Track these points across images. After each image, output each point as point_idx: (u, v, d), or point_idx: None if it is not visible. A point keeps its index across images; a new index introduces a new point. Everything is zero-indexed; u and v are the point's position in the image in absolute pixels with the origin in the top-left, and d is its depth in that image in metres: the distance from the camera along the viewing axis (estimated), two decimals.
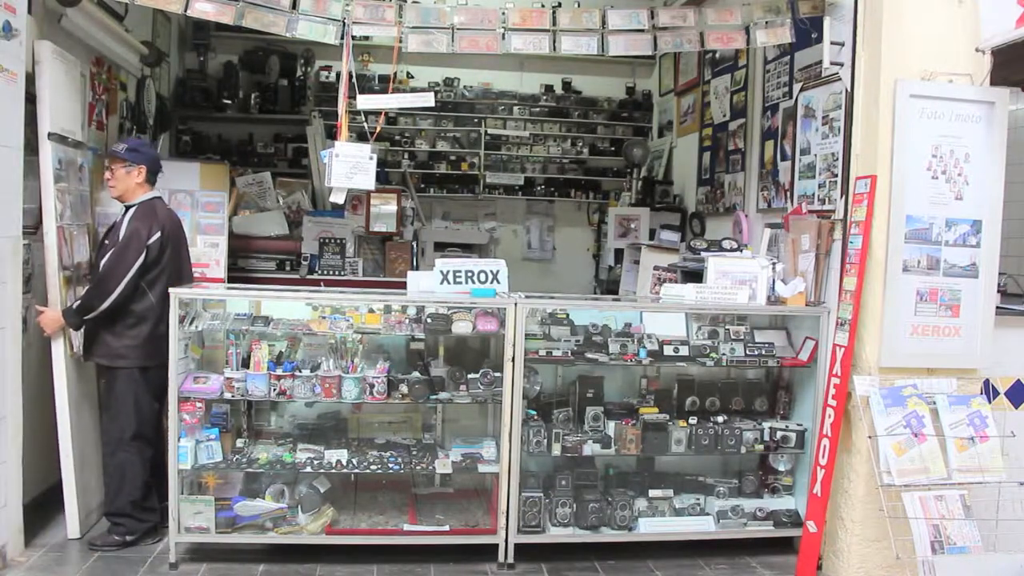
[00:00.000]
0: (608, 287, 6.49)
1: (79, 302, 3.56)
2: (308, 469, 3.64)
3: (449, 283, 3.79)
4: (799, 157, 4.18)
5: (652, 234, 5.85)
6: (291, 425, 4.02)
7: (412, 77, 7.40)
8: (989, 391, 3.61)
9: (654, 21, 3.65)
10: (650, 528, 3.81)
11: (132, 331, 3.61)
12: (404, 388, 3.68)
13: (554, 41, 3.61)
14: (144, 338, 3.61)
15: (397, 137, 7.39)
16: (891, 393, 3.33)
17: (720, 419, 3.89)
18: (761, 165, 4.70)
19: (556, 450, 3.74)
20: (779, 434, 3.90)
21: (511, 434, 3.62)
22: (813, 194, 4.02)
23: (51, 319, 3.56)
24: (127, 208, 3.69)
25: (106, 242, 3.69)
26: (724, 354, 3.91)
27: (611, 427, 3.82)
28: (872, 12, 3.51)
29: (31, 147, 3.56)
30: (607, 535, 3.77)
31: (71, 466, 3.62)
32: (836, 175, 3.81)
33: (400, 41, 3.53)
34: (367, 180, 3.52)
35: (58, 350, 3.62)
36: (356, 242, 5.37)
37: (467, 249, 6.88)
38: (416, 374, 3.76)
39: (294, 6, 3.41)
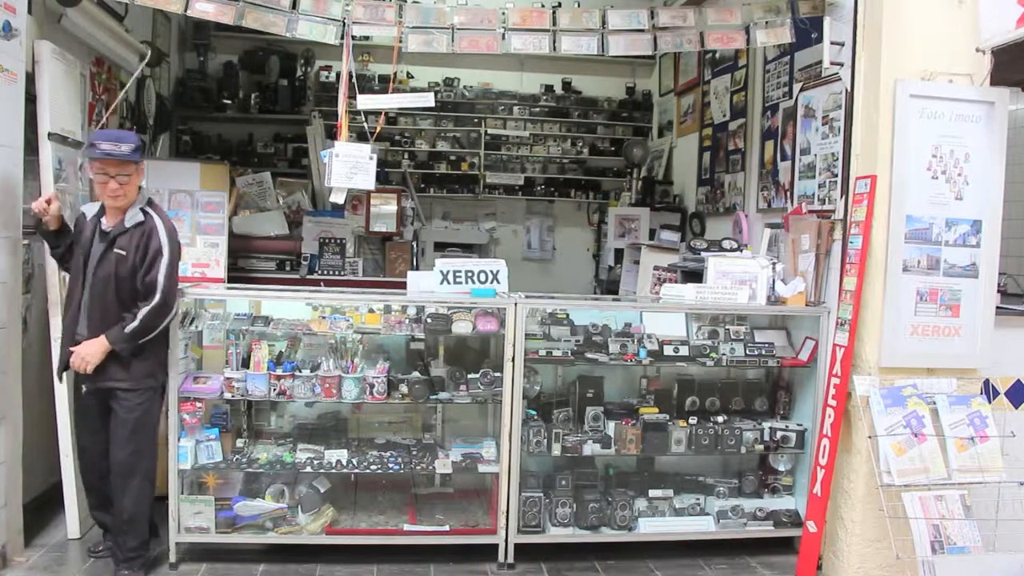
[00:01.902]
0: (608, 287, 6.49)
1: (137, 324, 3.18)
2: (308, 469, 3.64)
3: (449, 283, 3.79)
4: (799, 157, 4.18)
5: (652, 234, 5.86)
6: (291, 425, 4.02)
7: (412, 77, 7.40)
8: (989, 391, 3.61)
9: (654, 21, 3.65)
10: (650, 528, 3.81)
11: (158, 345, 3.35)
12: (404, 388, 3.68)
13: (554, 41, 3.61)
14: (165, 351, 3.41)
15: (397, 137, 7.39)
16: (891, 393, 3.33)
17: (720, 419, 3.89)
18: (761, 165, 4.70)
19: (556, 450, 3.74)
20: (779, 434, 3.90)
21: (511, 434, 3.62)
22: (813, 194, 4.02)
23: (94, 351, 3.18)
24: (144, 211, 3.29)
25: (119, 251, 3.22)
26: (724, 354, 3.91)
27: (611, 427, 3.82)
28: (872, 12, 3.51)
29: (31, 147, 3.56)
30: (607, 535, 3.77)
31: (71, 466, 3.62)
32: (836, 175, 3.81)
33: (400, 41, 3.53)
34: (367, 180, 3.52)
35: (58, 351, 3.61)
36: (356, 242, 5.37)
37: (467, 249, 6.89)
38: (416, 374, 3.76)
39: (294, 6, 3.41)
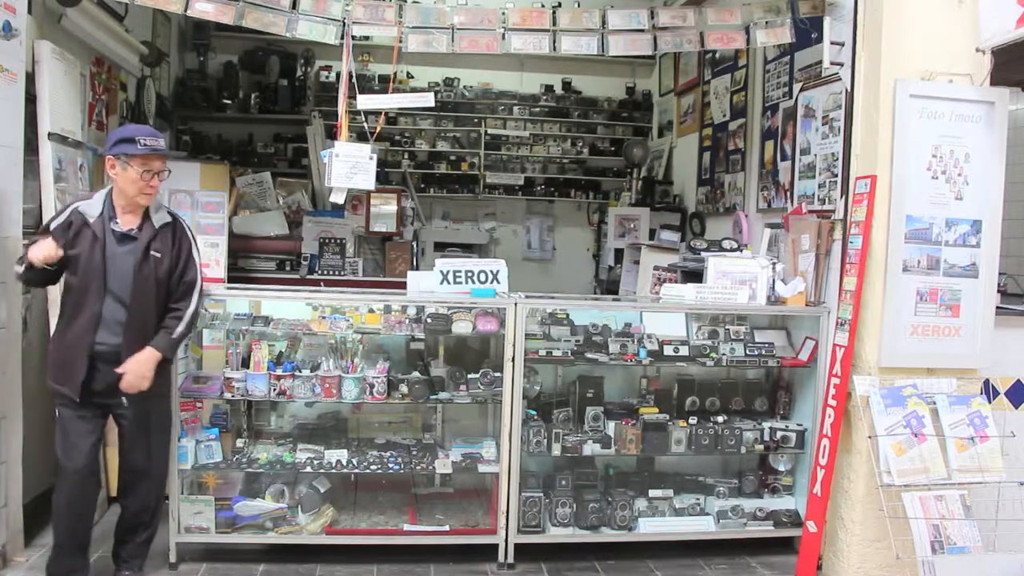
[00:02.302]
0: (608, 287, 6.49)
1: (183, 328, 3.14)
2: (308, 469, 3.64)
3: (449, 283, 3.79)
4: (799, 157, 4.18)
5: (652, 234, 5.86)
6: (291, 425, 4.03)
7: (412, 77, 7.40)
8: (989, 391, 3.61)
9: (654, 21, 3.64)
10: (650, 528, 3.81)
11: None
12: (404, 388, 3.68)
13: (554, 41, 3.61)
14: None
15: (397, 137, 7.39)
16: (891, 393, 3.33)
17: (720, 419, 3.89)
18: (761, 165, 4.70)
19: (556, 450, 3.74)
20: (779, 434, 3.90)
21: (511, 434, 3.62)
22: (813, 194, 4.02)
23: (148, 363, 3.02)
24: (170, 214, 3.21)
25: (155, 254, 3.08)
26: (724, 354, 3.91)
27: (611, 427, 3.82)
28: (872, 12, 3.51)
29: (31, 147, 3.56)
30: (607, 535, 3.77)
31: None
32: (836, 175, 3.81)
33: (400, 41, 3.53)
34: (367, 180, 3.52)
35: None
36: (356, 242, 5.37)
37: (467, 249, 6.89)
38: (416, 374, 3.76)
39: (294, 6, 3.41)
